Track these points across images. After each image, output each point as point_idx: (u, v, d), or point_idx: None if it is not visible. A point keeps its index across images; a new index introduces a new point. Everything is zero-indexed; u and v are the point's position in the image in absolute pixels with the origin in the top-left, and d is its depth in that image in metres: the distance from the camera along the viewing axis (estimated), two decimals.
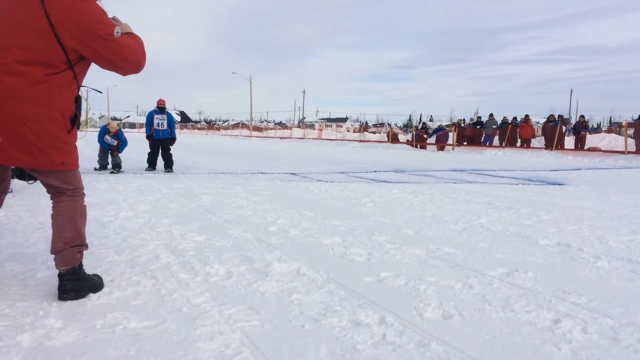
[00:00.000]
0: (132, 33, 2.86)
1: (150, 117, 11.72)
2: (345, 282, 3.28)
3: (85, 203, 3.02)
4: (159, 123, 11.61)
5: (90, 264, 3.45)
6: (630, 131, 20.33)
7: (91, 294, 2.91)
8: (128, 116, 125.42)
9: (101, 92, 3.83)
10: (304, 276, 3.40)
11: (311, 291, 3.09)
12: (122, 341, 2.32)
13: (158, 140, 11.70)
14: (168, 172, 11.30)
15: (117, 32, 2.67)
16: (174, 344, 2.30)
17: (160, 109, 11.75)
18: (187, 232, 4.72)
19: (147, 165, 11.78)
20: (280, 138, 45.09)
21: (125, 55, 2.73)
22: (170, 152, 11.72)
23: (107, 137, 11.26)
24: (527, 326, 2.60)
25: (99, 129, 11.62)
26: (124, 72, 2.82)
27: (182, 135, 54.78)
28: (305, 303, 2.88)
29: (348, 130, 54.72)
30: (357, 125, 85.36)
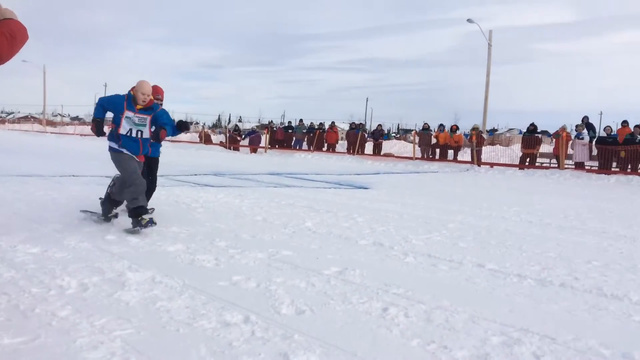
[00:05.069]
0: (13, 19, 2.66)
1: None
2: (202, 287, 3.54)
3: None
4: None
5: None
6: (417, 139, 23.38)
7: None
8: None
9: None
10: (161, 284, 3.57)
11: (173, 297, 3.30)
12: (3, 358, 2.31)
13: None
14: None
15: None
16: (58, 356, 2.37)
17: None
18: (18, 244, 4.46)
19: None
20: (81, 135, 41.47)
21: None
22: None
23: (128, 113, 5.29)
24: (364, 315, 3.18)
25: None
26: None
27: None
28: (171, 309, 3.09)
29: None
30: None
